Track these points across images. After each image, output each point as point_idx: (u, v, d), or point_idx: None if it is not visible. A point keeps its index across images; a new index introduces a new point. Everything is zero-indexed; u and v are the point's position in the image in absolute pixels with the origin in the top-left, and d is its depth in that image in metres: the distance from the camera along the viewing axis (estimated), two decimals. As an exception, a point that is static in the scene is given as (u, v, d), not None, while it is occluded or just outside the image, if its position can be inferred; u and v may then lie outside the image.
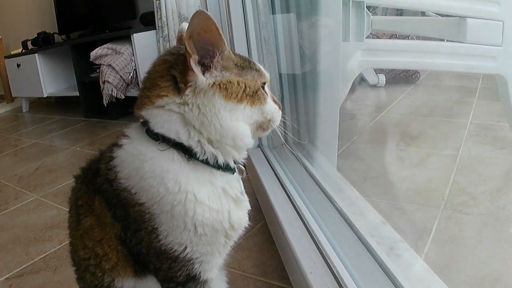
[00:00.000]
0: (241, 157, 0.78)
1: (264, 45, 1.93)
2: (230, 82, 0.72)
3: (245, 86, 0.73)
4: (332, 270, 1.05)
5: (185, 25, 0.88)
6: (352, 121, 2.92)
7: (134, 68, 3.64)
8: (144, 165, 0.72)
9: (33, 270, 1.66)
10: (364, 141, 2.57)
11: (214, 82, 0.71)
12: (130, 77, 3.64)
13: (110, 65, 3.56)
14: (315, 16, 1.66)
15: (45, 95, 4.67)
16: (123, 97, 3.68)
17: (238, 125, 0.73)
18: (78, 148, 3.26)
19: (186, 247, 0.75)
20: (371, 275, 1.01)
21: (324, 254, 1.12)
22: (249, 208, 0.82)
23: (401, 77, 3.83)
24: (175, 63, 0.73)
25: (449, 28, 2.09)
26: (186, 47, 0.68)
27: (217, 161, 0.75)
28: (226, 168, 0.77)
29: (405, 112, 3.07)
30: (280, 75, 1.93)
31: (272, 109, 0.78)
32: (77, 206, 0.85)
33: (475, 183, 1.84)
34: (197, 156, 0.73)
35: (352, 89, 3.13)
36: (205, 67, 0.71)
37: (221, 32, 0.69)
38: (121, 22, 4.19)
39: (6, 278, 1.63)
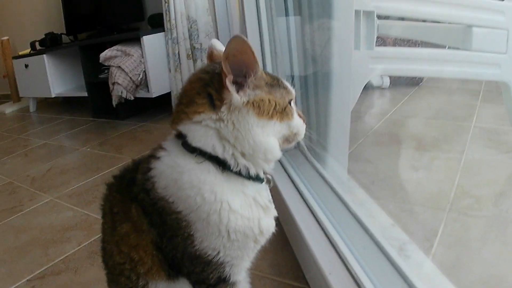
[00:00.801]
0: (270, 168, 0.84)
1: (277, 46, 1.99)
2: (262, 100, 0.78)
3: (275, 104, 0.79)
4: (350, 271, 1.11)
5: (215, 41, 0.94)
6: (358, 123, 2.97)
7: (143, 70, 3.69)
8: (182, 176, 0.78)
9: (54, 272, 1.70)
10: (370, 143, 2.62)
11: (247, 101, 0.77)
12: (139, 78, 3.69)
13: (119, 66, 3.61)
14: (328, 23, 1.72)
15: (53, 95, 4.72)
16: (132, 98, 3.74)
17: (269, 140, 0.79)
18: (88, 149, 3.30)
19: (219, 252, 0.81)
20: (386, 277, 1.06)
21: (341, 255, 1.18)
22: (276, 215, 0.88)
23: (405, 79, 3.88)
24: (210, 81, 0.78)
25: (454, 36, 2.14)
26: (222, 67, 0.74)
27: (248, 172, 0.80)
28: (256, 178, 0.82)
29: (409, 115, 3.12)
30: (292, 77, 1.99)
31: (298, 123, 0.83)
32: (112, 213, 0.90)
33: (480, 186, 1.89)
34: (231, 168, 0.79)
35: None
36: (239, 86, 0.77)
37: (255, 55, 0.75)
38: (129, 23, 4.24)
39: (27, 280, 1.66)
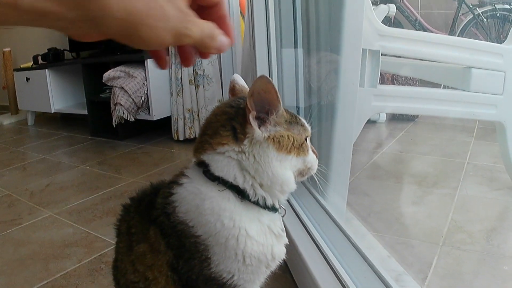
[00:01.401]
0: (284, 199, 0.90)
1: (284, 77, 2.05)
2: (282, 136, 0.83)
3: (293, 140, 0.85)
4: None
5: (236, 76, 1.00)
6: (355, 156, 3.03)
7: (146, 92, 3.75)
8: (204, 202, 0.83)
9: (54, 286, 1.72)
10: (367, 177, 2.68)
11: (268, 136, 0.82)
12: (141, 101, 3.74)
13: (122, 87, 3.65)
14: (336, 58, 1.78)
15: (52, 111, 4.74)
16: (133, 120, 3.77)
17: (286, 173, 0.84)
18: (87, 167, 3.33)
19: (233, 275, 0.85)
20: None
21: (343, 282, 1.23)
22: (287, 242, 0.93)
23: (401, 114, 3.97)
24: (235, 115, 0.84)
25: (453, 76, 2.22)
26: (247, 103, 0.79)
27: (265, 202, 0.86)
28: (272, 208, 0.88)
29: (405, 150, 3.20)
30: (297, 108, 2.05)
31: (312, 159, 0.89)
32: (129, 234, 0.93)
33: (472, 222, 1.96)
34: (250, 197, 0.84)
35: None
36: (261, 121, 0.82)
37: (279, 95, 0.80)
38: (132, 44, 4.29)
39: (28, 292, 1.69)
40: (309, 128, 0.90)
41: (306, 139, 0.88)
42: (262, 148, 0.82)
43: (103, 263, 1.84)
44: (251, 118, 0.80)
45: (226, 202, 0.83)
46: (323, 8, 1.91)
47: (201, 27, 0.53)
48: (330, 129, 1.76)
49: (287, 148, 0.84)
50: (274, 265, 0.91)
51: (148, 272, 0.89)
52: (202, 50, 0.56)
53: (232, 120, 0.84)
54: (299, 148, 0.86)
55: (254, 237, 0.84)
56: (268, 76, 0.78)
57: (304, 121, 0.90)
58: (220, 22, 0.57)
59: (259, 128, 0.82)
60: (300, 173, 0.89)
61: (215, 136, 0.84)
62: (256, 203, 0.85)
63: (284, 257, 0.92)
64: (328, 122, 1.81)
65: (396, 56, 2.33)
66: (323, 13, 1.90)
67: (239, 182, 0.83)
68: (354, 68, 1.72)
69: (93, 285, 1.71)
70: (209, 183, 0.85)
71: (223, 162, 0.83)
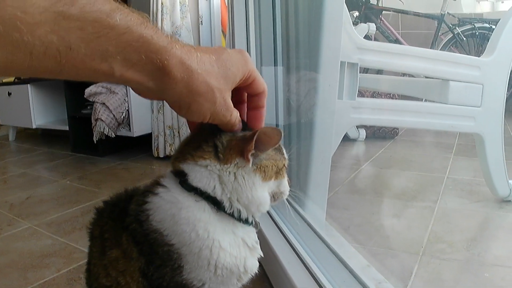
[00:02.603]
0: (258, 216, 0.91)
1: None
2: (267, 166, 0.84)
3: (276, 167, 0.86)
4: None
5: None
6: (335, 173, 3.06)
7: (126, 108, 3.74)
8: (181, 212, 0.83)
9: (33, 295, 1.71)
10: (346, 192, 2.71)
11: (256, 167, 0.83)
12: (122, 117, 3.74)
13: (104, 103, 3.65)
14: (315, 73, 1.81)
15: (34, 127, 4.71)
16: (113, 135, 3.77)
17: (264, 195, 0.85)
18: (68, 182, 3.32)
19: (204, 284, 0.85)
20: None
21: (320, 283, 1.25)
22: (261, 255, 0.94)
23: (381, 132, 4.02)
24: (220, 135, 0.84)
25: (431, 89, 2.27)
26: (249, 140, 0.80)
27: (240, 215, 0.87)
28: (246, 221, 0.89)
29: (384, 166, 3.23)
30: (277, 125, 2.06)
31: (286, 184, 0.90)
32: (103, 239, 0.93)
33: (452, 232, 1.98)
34: (225, 209, 0.85)
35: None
36: (253, 155, 0.83)
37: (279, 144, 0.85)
38: (115, 61, 4.30)
39: (6, 301, 1.68)
40: (286, 156, 0.92)
41: (284, 165, 0.90)
42: (248, 175, 0.83)
43: (82, 273, 1.80)
44: (249, 155, 0.82)
45: (202, 213, 0.84)
46: (302, 25, 1.93)
47: (233, 116, 0.74)
48: (309, 141, 1.78)
49: (270, 176, 0.85)
50: (246, 278, 0.91)
51: (120, 278, 0.89)
52: (219, 126, 0.77)
53: (215, 138, 0.85)
54: (278, 172, 0.88)
55: (227, 249, 0.85)
56: (281, 130, 0.81)
57: (284, 150, 0.92)
58: (257, 110, 0.83)
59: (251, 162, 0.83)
60: (273, 197, 0.90)
61: (197, 149, 0.85)
62: (232, 215, 0.86)
63: (257, 271, 0.93)
64: (307, 133, 1.83)
65: (376, 73, 2.37)
66: (302, 30, 1.92)
67: (217, 193, 0.84)
68: (332, 80, 1.74)
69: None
70: (186, 193, 0.85)
71: (204, 173, 0.84)
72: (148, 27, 0.58)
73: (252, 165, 0.83)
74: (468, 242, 1.89)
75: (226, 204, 0.84)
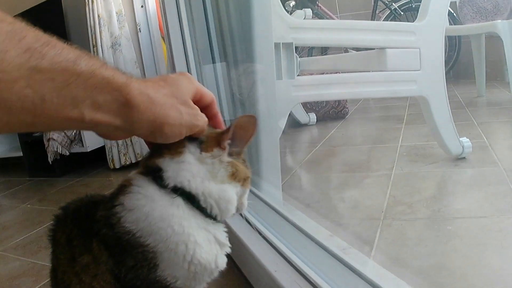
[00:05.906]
0: (224, 218, 0.93)
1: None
2: (238, 166, 0.88)
3: (245, 174, 0.90)
4: (296, 268, 1.20)
5: None
6: (290, 157, 3.11)
7: (77, 124, 3.69)
8: (155, 210, 0.83)
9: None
10: (303, 173, 2.75)
11: (231, 161, 0.87)
12: (73, 133, 3.72)
13: (54, 122, 3.60)
14: (250, 61, 1.83)
15: (-13, 158, 4.61)
16: (67, 153, 3.74)
17: (233, 195, 0.88)
18: (28, 205, 3.27)
19: (177, 280, 0.86)
20: (334, 271, 1.15)
21: (284, 255, 1.27)
22: (229, 251, 0.95)
23: (331, 114, 4.07)
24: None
25: (371, 60, 2.31)
26: (228, 129, 0.85)
27: (211, 211, 0.89)
28: (215, 218, 0.90)
29: (337, 144, 3.28)
30: (224, 122, 2.08)
31: (246, 198, 0.94)
32: (71, 246, 0.92)
33: (410, 194, 2.02)
34: (200, 204, 0.86)
35: (286, 129, 3.35)
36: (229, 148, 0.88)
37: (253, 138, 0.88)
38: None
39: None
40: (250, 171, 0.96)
41: (249, 178, 0.93)
42: (222, 166, 0.86)
43: (50, 288, 1.82)
44: (225, 143, 0.85)
45: (175, 209, 0.84)
46: (234, 16, 1.95)
47: (204, 119, 0.79)
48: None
49: (240, 179, 0.88)
50: (216, 273, 0.93)
51: (94, 282, 0.88)
52: (195, 134, 0.81)
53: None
54: (246, 180, 0.90)
55: (201, 245, 0.86)
56: (255, 117, 0.85)
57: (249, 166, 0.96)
58: (214, 118, 0.87)
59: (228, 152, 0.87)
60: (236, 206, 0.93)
61: (174, 146, 0.86)
62: (205, 212, 0.88)
63: (225, 266, 0.94)
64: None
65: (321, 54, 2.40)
66: (235, 21, 1.95)
67: (192, 187, 0.85)
68: (269, 62, 1.77)
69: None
70: (161, 190, 0.85)
71: (180, 166, 0.85)
72: (107, 68, 0.62)
73: (227, 155, 0.86)
74: (427, 200, 1.93)
75: (201, 198, 0.85)
